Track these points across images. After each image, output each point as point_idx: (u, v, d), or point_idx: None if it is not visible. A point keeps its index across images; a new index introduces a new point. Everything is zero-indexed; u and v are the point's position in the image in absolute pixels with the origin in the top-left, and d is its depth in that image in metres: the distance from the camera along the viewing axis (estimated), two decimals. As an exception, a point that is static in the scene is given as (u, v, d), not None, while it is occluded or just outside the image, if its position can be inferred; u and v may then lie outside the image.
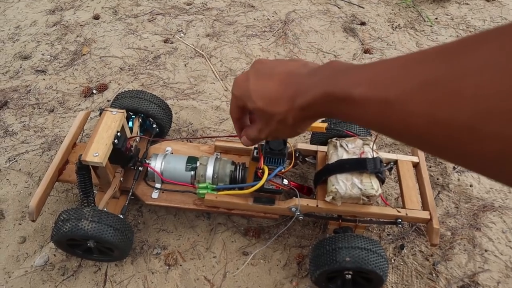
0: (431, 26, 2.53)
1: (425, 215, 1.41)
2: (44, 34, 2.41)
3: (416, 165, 1.56)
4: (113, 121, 1.44)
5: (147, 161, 1.51)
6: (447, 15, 2.62)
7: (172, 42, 2.34)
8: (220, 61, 2.24)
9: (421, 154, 1.58)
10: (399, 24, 2.53)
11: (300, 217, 1.43)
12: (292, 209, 1.40)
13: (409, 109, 0.46)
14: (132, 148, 1.52)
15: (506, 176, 0.38)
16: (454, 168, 1.81)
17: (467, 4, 2.71)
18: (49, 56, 2.28)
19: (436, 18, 2.59)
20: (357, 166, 1.39)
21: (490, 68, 0.36)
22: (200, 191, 1.44)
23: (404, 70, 0.49)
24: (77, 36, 2.39)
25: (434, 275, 1.52)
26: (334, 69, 0.65)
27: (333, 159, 1.44)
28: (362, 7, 2.64)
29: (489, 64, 0.37)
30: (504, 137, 0.35)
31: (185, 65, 2.22)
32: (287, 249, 1.57)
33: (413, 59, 0.49)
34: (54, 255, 1.52)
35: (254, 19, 2.53)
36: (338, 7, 2.64)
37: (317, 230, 1.63)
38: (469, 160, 0.42)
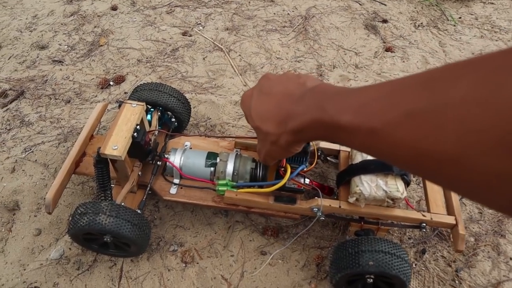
0: (454, 26, 2.47)
1: (450, 220, 1.37)
2: (62, 24, 2.38)
3: (441, 168, 1.52)
4: (133, 114, 1.41)
5: (166, 156, 1.48)
6: (471, 14, 2.56)
7: (190, 35, 2.31)
8: (239, 55, 2.20)
9: (447, 156, 1.54)
10: (421, 23, 2.48)
11: (322, 218, 1.39)
12: (314, 209, 1.36)
13: (393, 139, 0.47)
14: (151, 142, 1.49)
15: (493, 203, 0.39)
16: (478, 171, 1.76)
17: (492, 3, 2.64)
18: (66, 46, 2.25)
19: (460, 18, 2.53)
20: (382, 167, 1.34)
21: (470, 102, 0.37)
22: (220, 188, 1.40)
23: (389, 99, 0.49)
24: (95, 26, 2.36)
25: (457, 281, 1.47)
26: (322, 94, 0.67)
27: (357, 159, 1.40)
28: (384, 4, 2.59)
29: (469, 98, 0.37)
30: (486, 169, 0.36)
31: (204, 58, 2.18)
32: (306, 250, 1.53)
33: (398, 87, 0.49)
34: (70, 248, 1.50)
35: (274, 13, 2.49)
36: (360, 4, 2.58)
37: (336, 231, 1.60)
38: (457, 187, 0.43)
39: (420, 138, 0.43)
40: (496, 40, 2.39)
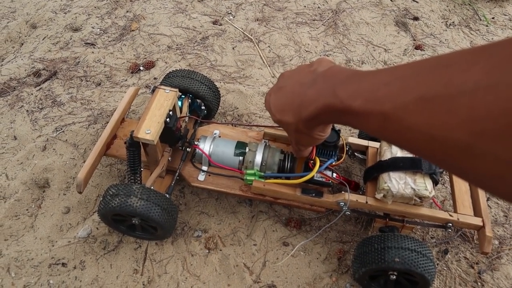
0: (487, 26, 2.43)
1: (477, 221, 1.36)
2: (95, 7, 2.41)
3: (470, 169, 1.51)
4: (166, 99, 1.43)
5: (196, 143, 1.49)
6: (505, 15, 2.51)
7: (221, 24, 2.32)
8: (269, 46, 2.20)
9: (476, 158, 1.53)
10: (453, 22, 2.44)
11: (347, 213, 1.40)
12: (341, 203, 1.37)
13: (405, 124, 0.47)
14: (182, 128, 1.51)
15: (502, 192, 0.39)
16: (505, 175, 1.74)
17: (527, 5, 2.59)
18: (98, 30, 2.28)
19: (493, 18, 2.48)
20: (412, 165, 1.34)
21: (482, 89, 0.37)
22: (248, 177, 1.42)
23: (401, 83, 0.49)
24: (127, 11, 2.39)
25: (479, 283, 1.47)
26: (333, 78, 0.68)
27: (386, 156, 1.40)
28: (416, 2, 2.56)
29: (481, 84, 0.37)
30: (497, 156, 0.36)
31: (233, 48, 2.19)
32: (328, 243, 1.54)
33: (410, 72, 0.49)
34: (97, 228, 1.53)
35: (305, 6, 2.48)
36: (391, 0, 2.56)
37: (358, 227, 1.60)
38: (466, 175, 0.43)
39: (432, 123, 0.43)
40: (530, 43, 2.35)
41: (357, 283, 1.44)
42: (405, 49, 2.26)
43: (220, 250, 1.51)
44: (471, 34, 2.38)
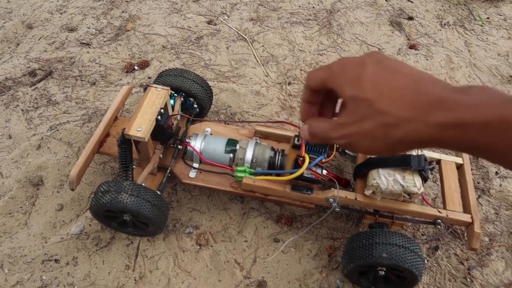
0: (481, 26, 2.44)
1: (466, 218, 1.37)
2: (91, 8, 2.43)
3: (459, 167, 1.52)
4: (158, 97, 1.45)
5: (187, 140, 1.51)
6: (500, 15, 2.52)
7: (215, 24, 2.34)
8: (263, 46, 2.22)
9: (466, 156, 1.54)
10: (448, 21, 2.45)
11: (337, 209, 1.41)
12: (330, 200, 1.38)
13: None
14: (173, 126, 1.52)
15: None
16: (496, 173, 1.75)
17: (522, 5, 2.60)
18: (94, 30, 2.30)
19: (488, 18, 2.49)
20: (401, 162, 1.35)
21: None
22: (238, 174, 1.43)
23: None
24: (122, 11, 2.41)
25: (468, 279, 1.48)
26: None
27: (375, 153, 1.41)
28: (411, 1, 2.57)
29: None
30: None
31: (227, 47, 2.21)
32: (318, 240, 1.56)
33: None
34: (90, 225, 1.55)
35: (299, 6, 2.49)
36: (386, 0, 2.57)
37: (349, 224, 1.61)
38: None
39: None
40: (524, 42, 2.36)
41: (346, 279, 1.44)
42: (399, 49, 2.27)
43: (211, 246, 1.52)
44: (466, 34, 2.39)
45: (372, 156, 1.40)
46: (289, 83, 2.05)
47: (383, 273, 1.33)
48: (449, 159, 1.51)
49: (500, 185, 1.72)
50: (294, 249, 1.53)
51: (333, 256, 1.52)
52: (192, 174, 1.51)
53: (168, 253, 1.50)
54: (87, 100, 1.95)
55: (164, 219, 1.42)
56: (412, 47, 2.26)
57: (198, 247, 1.52)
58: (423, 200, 1.47)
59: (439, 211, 1.37)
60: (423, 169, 1.35)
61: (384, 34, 2.35)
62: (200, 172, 1.52)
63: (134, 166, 1.53)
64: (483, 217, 1.64)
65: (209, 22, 2.33)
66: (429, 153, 1.51)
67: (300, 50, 2.21)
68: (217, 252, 1.50)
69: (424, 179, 1.38)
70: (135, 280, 1.44)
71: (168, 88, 1.48)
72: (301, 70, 2.11)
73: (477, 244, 1.35)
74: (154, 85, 1.48)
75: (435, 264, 1.52)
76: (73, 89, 2.00)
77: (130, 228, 1.48)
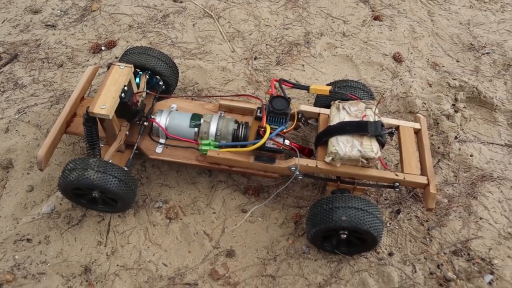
0: (444, -5, 2.49)
1: (422, 180, 1.43)
2: (54, -12, 2.40)
3: (417, 132, 1.57)
4: (121, 75, 1.46)
5: (152, 116, 1.54)
6: (462, -16, 2.57)
7: (181, 2, 2.33)
8: (228, 22, 2.23)
9: (424, 121, 1.59)
10: (412, -8, 2.49)
11: (300, 177, 1.46)
12: (292, 168, 1.43)
13: None
14: (138, 103, 1.55)
15: None
16: (455, 137, 1.82)
17: (484, -26, 2.64)
18: (59, 11, 2.28)
19: (451, -13, 2.54)
20: (358, 128, 1.41)
21: None
22: (203, 148, 1.47)
23: None
24: (87, -8, 2.39)
25: (427, 239, 1.55)
26: None
27: (335, 121, 1.46)
28: (375, -27, 2.59)
29: None
30: None
31: (194, 25, 2.21)
32: (285, 209, 1.61)
33: None
34: (60, 204, 1.58)
35: (265, -19, 2.50)
36: (351, -27, 2.59)
37: (315, 192, 1.67)
38: None
39: None
40: (485, 11, 2.41)
41: (312, 245, 1.50)
42: (364, 20, 2.31)
43: (181, 219, 1.56)
44: (429, 3, 2.44)
45: (331, 124, 1.45)
46: (255, 58, 2.07)
47: (345, 236, 1.39)
48: (407, 125, 1.57)
49: (459, 149, 1.79)
50: (261, 219, 1.58)
51: (299, 223, 1.58)
52: (159, 149, 1.54)
53: (139, 228, 1.54)
54: (54, 82, 1.95)
55: (132, 194, 1.46)
56: (376, 18, 2.30)
57: (168, 220, 1.56)
58: (381, 164, 1.53)
59: (396, 174, 1.43)
60: (379, 134, 1.40)
61: (349, 6, 2.38)
62: (167, 147, 1.55)
63: (102, 145, 1.56)
64: (443, 180, 1.71)
65: (175, 0, 2.33)
66: (388, 120, 1.56)
67: (266, 25, 2.23)
68: (187, 225, 1.55)
69: (382, 144, 1.44)
70: (107, 255, 1.48)
71: (131, 65, 1.50)
72: (267, 45, 2.14)
73: (432, 204, 1.42)
74: (117, 63, 1.50)
75: (397, 227, 1.59)
76: (40, 72, 1.99)
77: (100, 205, 1.51)
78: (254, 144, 1.39)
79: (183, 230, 1.54)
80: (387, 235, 1.57)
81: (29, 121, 1.80)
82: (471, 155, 1.78)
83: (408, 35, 2.24)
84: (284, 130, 1.42)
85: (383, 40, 2.20)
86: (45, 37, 2.14)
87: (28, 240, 1.50)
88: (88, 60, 2.05)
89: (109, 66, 1.50)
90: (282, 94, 1.48)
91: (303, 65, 2.06)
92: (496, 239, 1.56)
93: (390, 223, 1.59)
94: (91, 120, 1.43)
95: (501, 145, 1.84)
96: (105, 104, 1.38)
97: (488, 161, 1.77)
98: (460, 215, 1.61)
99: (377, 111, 1.45)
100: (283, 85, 1.55)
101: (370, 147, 1.38)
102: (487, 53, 2.17)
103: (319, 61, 2.09)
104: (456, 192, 1.68)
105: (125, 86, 1.45)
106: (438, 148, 1.80)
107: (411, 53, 2.16)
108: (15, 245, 1.49)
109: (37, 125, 1.79)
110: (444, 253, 1.52)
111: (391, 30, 2.26)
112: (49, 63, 2.04)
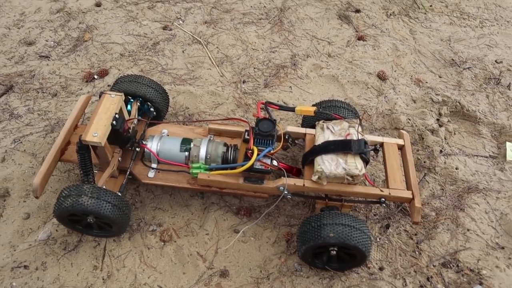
0: (425, 13, 2.57)
1: (407, 194, 1.48)
2: (48, 20, 2.48)
3: (401, 148, 1.63)
4: (112, 103, 1.52)
5: (144, 142, 1.58)
6: (442, 2, 2.66)
7: (171, 29, 2.41)
8: (217, 47, 2.30)
9: (407, 136, 1.64)
10: (393, 12, 2.58)
11: (288, 196, 1.50)
12: (280, 188, 1.47)
13: None
14: (130, 130, 1.59)
15: None
16: (441, 151, 1.87)
17: (463, -9, 2.74)
18: (52, 42, 2.35)
19: (431, 6, 2.63)
20: (342, 147, 1.46)
21: None
22: (194, 171, 1.51)
23: None
24: (80, 22, 2.46)
25: (417, 252, 1.59)
26: None
27: (319, 140, 1.51)
28: (358, -5, 2.69)
29: None
30: None
31: (183, 51, 2.28)
32: (276, 228, 1.65)
33: None
34: (56, 230, 1.61)
35: (251, 6, 2.58)
36: (334, -5, 2.68)
37: (306, 210, 1.71)
38: None
39: None
40: (465, 27, 2.50)
41: (303, 262, 1.54)
42: (348, 41, 2.38)
43: (175, 241, 1.60)
44: (411, 22, 2.52)
45: (317, 144, 1.50)
46: (244, 82, 2.14)
47: (335, 252, 1.43)
48: (391, 141, 1.62)
49: (445, 163, 1.84)
50: (253, 238, 1.62)
51: (291, 241, 1.61)
52: (151, 174, 1.59)
53: (134, 251, 1.57)
54: (49, 111, 2.00)
55: (126, 219, 1.49)
56: (360, 38, 2.38)
57: (162, 243, 1.59)
58: (367, 181, 1.57)
59: (381, 190, 1.48)
60: (363, 152, 1.45)
61: (333, 27, 2.46)
62: (159, 172, 1.60)
63: (95, 171, 1.60)
64: (430, 194, 1.76)
65: (165, 28, 2.41)
66: (372, 137, 1.61)
67: (253, 49, 2.30)
68: (181, 247, 1.58)
69: (366, 161, 1.48)
70: (103, 279, 1.50)
71: (122, 94, 1.55)
72: (254, 68, 2.20)
73: (418, 217, 1.46)
74: (108, 92, 1.55)
75: (386, 241, 1.63)
76: (35, 102, 2.05)
77: (96, 230, 1.55)
78: (242, 166, 1.44)
79: (177, 252, 1.57)
80: (377, 250, 1.60)
81: (25, 150, 1.85)
82: (457, 168, 1.82)
83: (391, 54, 2.31)
84: (271, 151, 1.47)
85: (367, 59, 2.27)
86: (39, 67, 2.21)
87: (25, 267, 1.53)
88: (81, 89, 2.10)
89: (100, 95, 1.55)
90: (268, 117, 1.54)
91: (290, 86, 2.13)
92: (484, 250, 1.60)
93: (380, 238, 1.63)
94: (84, 148, 1.47)
95: (486, 157, 1.89)
96: (97, 132, 1.43)
97: (473, 173, 1.82)
98: (448, 228, 1.66)
99: (360, 129, 1.50)
100: (269, 108, 1.60)
101: (354, 164, 1.42)
102: (468, 67, 2.24)
103: (306, 82, 2.15)
104: (443, 205, 1.72)
105: (116, 114, 1.50)
106: (424, 162, 1.85)
107: (395, 71, 2.22)
108: (12, 272, 1.52)
109: (32, 154, 1.84)
110: (434, 266, 1.56)
111: (375, 49, 2.33)
112: (43, 93, 2.09)
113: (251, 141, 1.48)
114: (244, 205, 1.70)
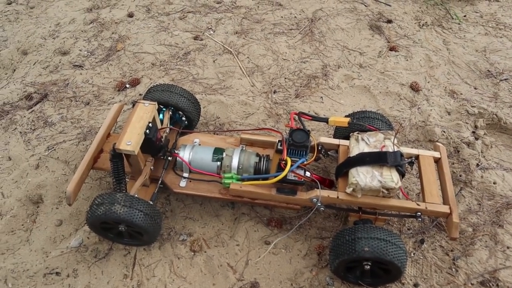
0: (459, 24, 2.52)
1: (445, 209, 1.43)
2: (82, 31, 2.53)
3: (437, 161, 1.58)
4: (145, 112, 1.53)
5: (176, 151, 1.59)
6: (476, 12, 2.60)
7: (202, 39, 2.43)
8: (248, 57, 2.31)
9: (443, 149, 1.60)
10: (426, 22, 2.53)
11: (321, 208, 1.47)
12: (313, 200, 1.45)
13: None
14: (162, 139, 1.60)
15: None
16: (477, 165, 1.82)
17: (498, 1, 2.68)
18: (86, 52, 2.40)
19: (465, 16, 2.57)
20: (377, 159, 1.42)
21: None
22: (226, 181, 1.50)
23: None
24: (112, 33, 2.50)
25: (453, 269, 1.53)
26: None
27: (354, 152, 1.48)
28: (389, 5, 2.65)
29: None
30: None
31: (214, 61, 2.29)
32: (308, 240, 1.62)
33: None
34: (88, 238, 1.62)
35: (282, 17, 2.58)
36: (365, 5, 2.66)
37: (337, 223, 1.67)
38: None
39: None
40: (501, 37, 2.43)
41: (335, 276, 1.50)
42: (380, 51, 2.35)
43: (205, 252, 1.59)
44: (444, 32, 2.47)
45: (351, 155, 1.47)
46: (274, 92, 2.13)
47: (368, 267, 1.39)
48: (426, 154, 1.58)
49: (482, 177, 1.78)
50: (284, 250, 1.59)
51: (322, 254, 1.58)
52: (183, 183, 1.58)
53: (164, 261, 1.56)
54: (81, 120, 2.03)
55: (157, 228, 1.49)
56: (392, 49, 2.34)
57: (192, 253, 1.58)
58: (402, 194, 1.53)
59: (417, 204, 1.43)
60: (399, 164, 1.42)
61: (365, 38, 2.43)
62: (190, 181, 1.59)
63: (127, 180, 1.61)
64: (466, 209, 1.70)
65: (196, 38, 2.42)
66: (407, 150, 1.58)
67: (284, 59, 2.29)
68: (211, 257, 1.57)
69: (402, 174, 1.45)
70: (133, 288, 1.50)
71: (155, 103, 1.56)
72: (285, 78, 2.19)
73: (456, 233, 1.41)
74: (142, 101, 1.56)
75: (421, 257, 1.58)
76: (68, 110, 2.08)
77: (127, 239, 1.55)
78: (275, 176, 1.42)
79: (207, 262, 1.56)
80: (412, 265, 1.55)
81: (58, 157, 1.88)
82: (494, 183, 1.76)
83: (424, 64, 2.27)
84: (305, 162, 1.45)
85: (399, 70, 2.23)
86: (73, 76, 2.25)
87: (57, 273, 1.54)
88: (113, 98, 2.13)
89: (134, 104, 1.57)
90: (302, 127, 1.52)
91: (321, 97, 2.11)
92: (525, 269, 1.53)
93: (414, 253, 1.58)
94: (117, 156, 1.48)
95: (525, 172, 1.82)
96: (130, 141, 1.43)
97: (512, 188, 1.76)
98: (486, 244, 1.59)
99: (395, 141, 1.47)
100: (302, 118, 1.58)
101: (390, 177, 1.39)
102: (505, 79, 2.18)
103: (337, 92, 2.13)
104: (480, 221, 1.66)
105: (149, 122, 1.51)
106: (460, 176, 1.79)
107: (428, 82, 2.18)
108: (44, 278, 1.53)
109: (65, 161, 1.86)
110: (472, 284, 1.50)
111: (407, 60, 2.29)
112: (76, 101, 2.13)
113: (285, 152, 1.46)
114: (275, 216, 1.68)
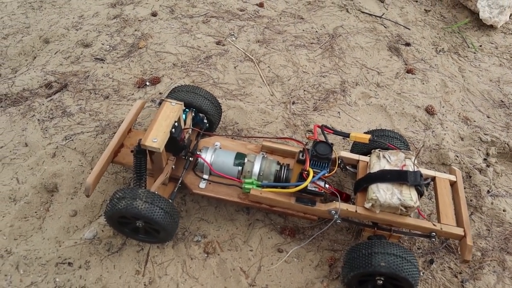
0: (474, 53, 2.58)
1: (459, 231, 1.46)
2: (105, 25, 2.55)
3: (453, 184, 1.61)
4: (172, 111, 1.54)
5: (198, 152, 1.60)
6: (492, 43, 2.66)
7: (224, 45, 2.46)
8: (268, 67, 2.34)
9: (459, 174, 1.63)
10: (443, 48, 2.59)
11: (338, 221, 1.49)
12: (332, 212, 1.47)
13: None
14: (185, 139, 1.62)
15: None
16: (488, 191, 1.85)
17: (513, 35, 2.75)
18: (108, 46, 2.41)
19: (481, 46, 2.63)
20: (398, 177, 1.45)
21: None
22: (246, 186, 1.52)
23: None
24: (135, 30, 2.52)
25: (461, 292, 1.56)
26: None
27: (375, 168, 1.51)
28: (408, 29, 2.71)
29: None
30: None
31: (235, 67, 2.32)
32: (320, 251, 1.64)
33: None
34: (102, 231, 1.62)
35: (303, 30, 2.63)
36: (385, 26, 2.71)
37: (349, 236, 1.70)
38: None
39: None
40: (515, 70, 2.50)
41: (346, 288, 1.52)
42: (397, 73, 2.39)
43: (218, 254, 1.60)
44: (460, 60, 2.53)
45: (372, 171, 1.49)
46: (293, 103, 2.15)
47: (381, 282, 1.41)
48: (443, 176, 1.61)
49: (492, 203, 1.82)
50: (296, 259, 1.61)
51: (333, 266, 1.60)
52: (202, 185, 1.60)
53: (176, 260, 1.57)
54: (100, 113, 2.04)
55: (175, 226, 1.50)
56: (409, 71, 2.39)
57: (206, 255, 1.59)
58: (418, 214, 1.56)
59: (434, 224, 1.46)
60: (419, 184, 1.45)
61: (383, 58, 2.48)
62: (210, 183, 1.61)
63: (146, 176, 1.62)
64: (476, 233, 1.73)
65: (218, 43, 2.45)
66: (424, 170, 1.61)
67: (304, 72, 2.33)
68: (224, 260, 1.58)
69: (420, 194, 1.48)
70: (144, 285, 1.51)
71: (182, 103, 1.58)
72: (304, 90, 2.23)
73: (469, 256, 1.44)
74: (169, 100, 1.58)
75: (430, 277, 1.60)
76: (87, 102, 2.09)
77: (142, 235, 1.56)
78: (296, 186, 1.44)
79: (220, 265, 1.57)
80: (421, 284, 1.58)
81: (75, 148, 1.88)
82: (504, 210, 1.80)
83: (440, 89, 2.32)
84: (326, 174, 1.48)
85: (415, 93, 2.28)
86: (94, 69, 2.26)
87: (69, 263, 1.54)
88: (133, 94, 2.15)
89: (160, 102, 1.58)
90: (325, 140, 1.55)
91: (339, 112, 2.14)
92: (530, 297, 1.56)
93: (423, 273, 1.61)
94: (141, 152, 1.50)
95: (533, 203, 1.86)
96: (156, 138, 1.45)
97: (520, 217, 1.80)
98: (494, 270, 1.62)
99: (416, 161, 1.50)
100: (324, 131, 1.61)
101: (409, 196, 1.42)
102: (517, 111, 2.23)
103: (354, 109, 2.16)
104: (489, 246, 1.69)
105: (175, 122, 1.53)
106: (471, 201, 1.83)
107: (443, 107, 2.22)
108: (56, 267, 1.53)
109: (82, 153, 1.87)
110: (478, 308, 1.52)
111: (423, 84, 2.34)
112: (96, 94, 2.14)
113: (307, 163, 1.48)
114: (289, 225, 1.70)
